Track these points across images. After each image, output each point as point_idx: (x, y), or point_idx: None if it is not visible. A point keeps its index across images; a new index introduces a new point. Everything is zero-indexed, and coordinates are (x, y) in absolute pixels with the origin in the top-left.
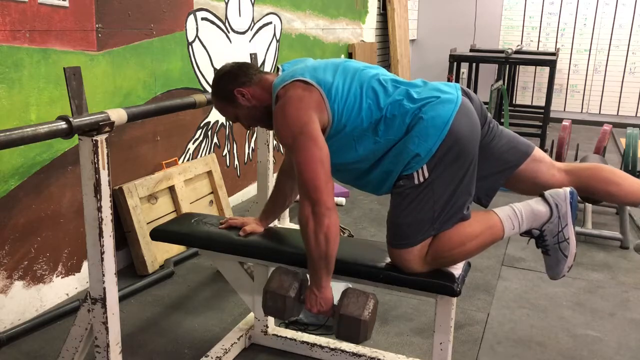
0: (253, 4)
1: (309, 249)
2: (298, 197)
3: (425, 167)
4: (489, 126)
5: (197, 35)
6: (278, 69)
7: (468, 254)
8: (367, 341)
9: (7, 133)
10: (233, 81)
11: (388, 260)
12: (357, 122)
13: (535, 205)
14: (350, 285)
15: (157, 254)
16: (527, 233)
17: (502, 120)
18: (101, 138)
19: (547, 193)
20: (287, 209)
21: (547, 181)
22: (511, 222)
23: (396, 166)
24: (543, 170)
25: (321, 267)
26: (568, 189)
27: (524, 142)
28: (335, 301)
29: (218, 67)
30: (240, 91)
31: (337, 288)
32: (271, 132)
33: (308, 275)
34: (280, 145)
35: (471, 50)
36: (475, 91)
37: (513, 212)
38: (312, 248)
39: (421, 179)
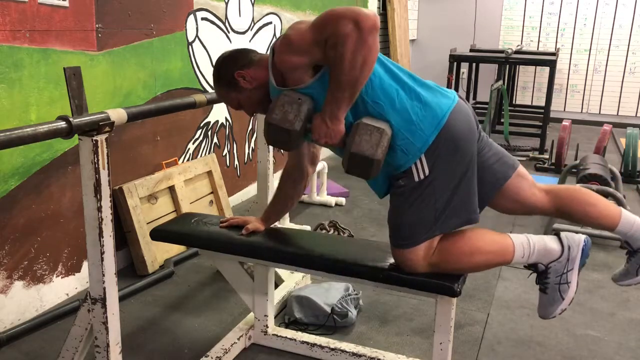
0: (253, 4)
1: (340, 70)
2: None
3: (425, 163)
4: (480, 135)
5: (197, 35)
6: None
7: (473, 267)
8: (366, 341)
9: (7, 133)
10: (233, 65)
11: (388, 260)
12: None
13: (549, 242)
14: (350, 286)
15: (157, 254)
16: (532, 266)
17: (502, 120)
18: (101, 138)
19: (563, 233)
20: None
21: (528, 199)
22: (522, 251)
23: (392, 157)
24: (525, 187)
25: (345, 95)
26: (584, 237)
27: (510, 157)
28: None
29: None
30: (241, 74)
31: (336, 288)
32: None
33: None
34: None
35: (471, 50)
36: (475, 91)
37: (527, 242)
38: (345, 69)
39: (421, 176)
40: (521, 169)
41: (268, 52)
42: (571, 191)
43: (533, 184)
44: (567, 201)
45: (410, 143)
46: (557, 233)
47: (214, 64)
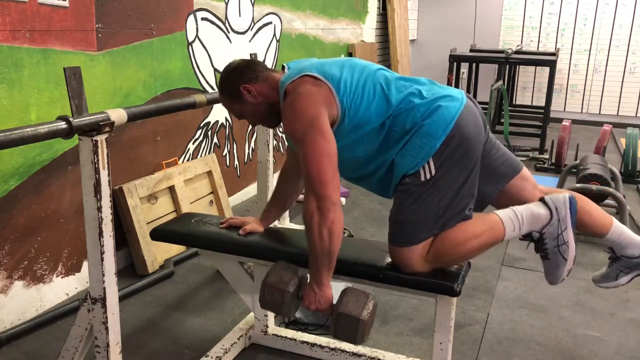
0: (253, 4)
1: (312, 244)
2: (301, 197)
3: (432, 163)
4: (488, 135)
5: (197, 35)
6: (284, 67)
7: (469, 254)
8: (366, 341)
9: (7, 133)
10: (239, 78)
11: (388, 260)
12: (366, 116)
13: (536, 208)
14: (351, 285)
15: (157, 254)
16: (527, 236)
17: (502, 120)
18: (101, 138)
19: (546, 197)
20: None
21: (530, 199)
22: (512, 224)
23: (402, 162)
24: (527, 189)
25: (323, 263)
26: (567, 194)
27: (515, 159)
28: (335, 300)
29: (218, 67)
30: (247, 87)
31: (337, 288)
32: (271, 132)
33: (308, 273)
34: (281, 145)
35: (471, 50)
36: (475, 91)
37: (514, 214)
38: (316, 243)
39: (428, 176)
40: (525, 171)
41: (278, 74)
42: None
43: (535, 186)
44: None
45: (419, 148)
46: (541, 198)
47: (221, 72)
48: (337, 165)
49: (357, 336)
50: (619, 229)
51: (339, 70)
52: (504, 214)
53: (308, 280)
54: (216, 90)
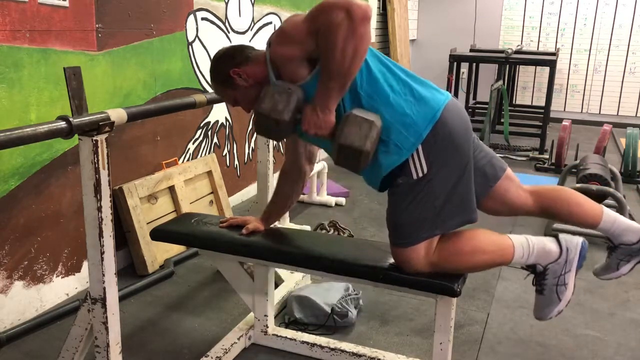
0: (253, 4)
1: (331, 60)
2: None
3: (423, 160)
4: (472, 137)
5: (197, 35)
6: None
7: (473, 266)
8: (366, 340)
9: (7, 133)
10: (229, 62)
11: (388, 260)
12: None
13: (548, 243)
14: (350, 285)
15: (157, 254)
16: (531, 267)
17: (502, 120)
18: (101, 138)
19: (561, 235)
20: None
21: (515, 200)
22: (522, 251)
23: (388, 158)
24: (512, 189)
25: (335, 85)
26: (581, 239)
27: (498, 158)
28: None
29: None
30: (237, 72)
31: (336, 288)
32: None
33: (316, 94)
34: (281, 145)
35: (471, 50)
36: (475, 91)
37: (527, 243)
38: (337, 58)
39: (420, 174)
40: (509, 171)
41: (265, 48)
42: (555, 192)
43: (519, 186)
44: (551, 202)
45: (405, 137)
46: (555, 235)
47: (210, 61)
48: None
49: (360, 165)
50: (611, 217)
51: None
52: (517, 239)
53: (309, 103)
54: None
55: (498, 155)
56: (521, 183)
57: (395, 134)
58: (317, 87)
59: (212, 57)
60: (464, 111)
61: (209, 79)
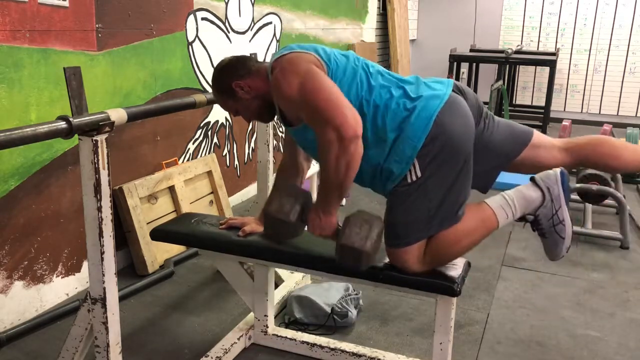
0: (253, 4)
1: (327, 174)
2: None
3: (417, 165)
4: (485, 121)
5: (197, 35)
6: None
7: (465, 250)
8: (366, 341)
9: (7, 133)
10: (232, 75)
11: (388, 260)
12: (350, 96)
13: (527, 191)
14: (350, 285)
15: (157, 254)
16: (522, 219)
17: None
18: (101, 138)
19: (537, 177)
20: None
21: (548, 163)
22: (504, 212)
23: (390, 169)
24: (543, 154)
25: (334, 194)
26: (558, 170)
27: (521, 131)
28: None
29: None
30: (239, 84)
31: (336, 288)
32: (271, 133)
33: (317, 198)
34: (281, 145)
35: (471, 50)
36: (475, 91)
37: (505, 201)
38: (331, 174)
39: (414, 178)
40: (536, 138)
41: (267, 64)
42: (592, 146)
43: (552, 147)
44: (588, 156)
45: (402, 151)
46: (532, 178)
47: (213, 70)
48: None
49: (362, 265)
50: None
51: (323, 51)
52: (495, 203)
53: (313, 205)
54: None
55: None
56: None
57: (395, 150)
58: (317, 193)
59: (214, 66)
60: (464, 108)
61: (209, 79)
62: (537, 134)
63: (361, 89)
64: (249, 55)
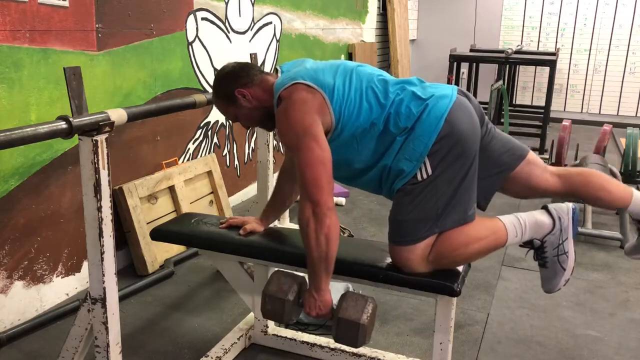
0: (253, 4)
1: (309, 249)
2: (299, 197)
3: (428, 163)
4: (487, 127)
5: (197, 35)
6: (277, 70)
7: (470, 257)
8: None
9: (7, 133)
10: (235, 82)
11: (388, 260)
12: (359, 121)
13: (539, 216)
14: (350, 286)
15: (157, 254)
16: (528, 243)
17: (502, 120)
18: (101, 138)
19: (550, 206)
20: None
21: (539, 184)
22: (515, 230)
23: (398, 168)
24: (537, 173)
25: (321, 268)
26: (571, 205)
27: (519, 145)
28: (335, 302)
29: (218, 67)
30: (242, 92)
31: (336, 288)
32: (271, 132)
33: (307, 278)
34: (281, 145)
35: (471, 50)
36: (475, 91)
37: (517, 221)
38: (313, 249)
39: (424, 175)
40: (531, 156)
41: (273, 77)
42: (584, 177)
43: (545, 169)
44: (579, 186)
45: (412, 151)
46: (544, 206)
47: (215, 75)
48: (331, 171)
49: (358, 340)
50: None
51: (332, 77)
52: (508, 220)
53: (307, 286)
54: None
55: None
56: None
57: (404, 149)
58: (307, 274)
59: (216, 69)
60: (471, 109)
61: (209, 79)
62: (532, 153)
63: (371, 112)
64: (251, 62)
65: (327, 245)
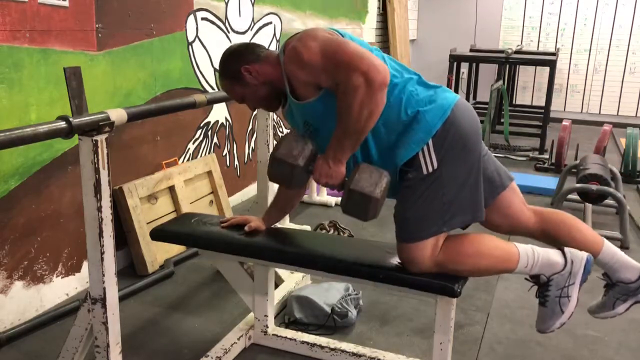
0: (253, 4)
1: (348, 118)
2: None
3: (433, 155)
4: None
5: (197, 35)
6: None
7: (476, 270)
8: (366, 341)
9: (7, 133)
10: (240, 59)
11: (388, 260)
12: None
13: (553, 254)
14: (350, 286)
15: (157, 254)
16: (535, 277)
17: (502, 120)
18: (101, 138)
19: (567, 248)
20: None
21: (517, 215)
22: (527, 260)
23: (400, 151)
24: (516, 202)
25: (350, 140)
26: (586, 254)
27: (505, 171)
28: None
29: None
30: (247, 69)
31: (337, 288)
32: (271, 133)
33: (329, 146)
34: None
35: (471, 50)
36: (475, 91)
37: (532, 252)
38: (352, 119)
39: (430, 169)
40: (514, 184)
41: (277, 50)
42: (560, 215)
43: (523, 202)
44: (554, 225)
45: (414, 132)
46: (560, 248)
47: (220, 56)
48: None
49: (369, 213)
50: (612, 250)
51: (341, 31)
52: (523, 248)
53: (321, 155)
54: (216, 90)
55: (498, 155)
56: (520, 191)
57: (408, 133)
58: (330, 140)
59: (214, 61)
60: (473, 112)
61: (209, 79)
62: (514, 183)
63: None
64: (257, 43)
65: (367, 121)
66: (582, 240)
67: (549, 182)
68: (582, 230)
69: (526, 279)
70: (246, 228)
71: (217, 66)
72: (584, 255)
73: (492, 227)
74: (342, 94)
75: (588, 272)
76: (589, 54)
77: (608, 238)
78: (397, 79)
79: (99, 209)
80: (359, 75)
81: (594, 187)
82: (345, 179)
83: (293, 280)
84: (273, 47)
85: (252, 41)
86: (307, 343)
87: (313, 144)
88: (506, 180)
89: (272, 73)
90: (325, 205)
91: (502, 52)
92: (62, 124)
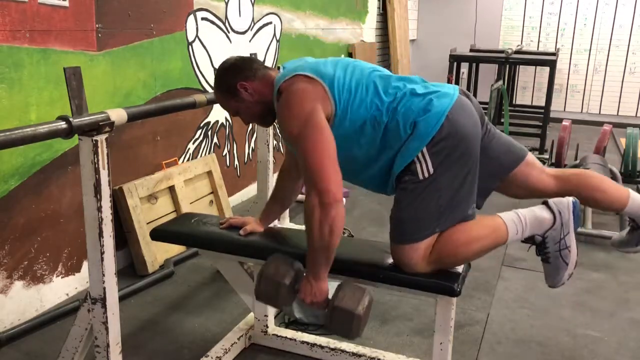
0: (253, 4)
1: (312, 239)
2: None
3: (429, 161)
4: (487, 128)
5: (197, 35)
6: (279, 68)
7: (471, 256)
8: (366, 341)
9: (7, 133)
10: (237, 75)
11: (388, 260)
12: (359, 112)
13: (539, 211)
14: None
15: (157, 254)
16: (530, 239)
17: (502, 120)
18: (101, 138)
19: (550, 201)
20: (287, 209)
21: (537, 185)
22: (515, 227)
23: (398, 160)
24: (534, 174)
25: (322, 258)
26: (571, 199)
27: (518, 147)
28: (331, 295)
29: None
30: (244, 85)
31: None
32: (271, 132)
33: (306, 266)
34: (281, 145)
35: (471, 50)
36: (475, 91)
37: (517, 218)
38: (316, 238)
39: (426, 174)
40: (530, 157)
41: (274, 70)
42: (580, 177)
43: (542, 170)
44: (575, 187)
45: (410, 141)
46: (545, 201)
47: (217, 68)
48: (337, 161)
49: (352, 331)
50: (638, 201)
51: (332, 69)
52: (508, 217)
53: (304, 274)
54: None
55: None
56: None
57: (407, 145)
58: (306, 261)
59: (216, 66)
60: (472, 108)
61: (209, 79)
62: (531, 155)
63: (371, 105)
64: (254, 57)
65: (330, 236)
66: (605, 200)
67: None
68: (605, 190)
69: (522, 241)
70: (240, 232)
71: (217, 66)
72: (569, 201)
73: (513, 196)
74: (304, 211)
75: (578, 216)
76: (589, 54)
77: (608, 238)
78: (393, 104)
79: (99, 209)
80: (315, 195)
81: None
82: (328, 298)
83: None
84: (273, 48)
85: (251, 41)
86: (307, 343)
87: (299, 264)
88: (516, 161)
89: (267, 94)
90: None
91: (502, 52)
92: (62, 124)
